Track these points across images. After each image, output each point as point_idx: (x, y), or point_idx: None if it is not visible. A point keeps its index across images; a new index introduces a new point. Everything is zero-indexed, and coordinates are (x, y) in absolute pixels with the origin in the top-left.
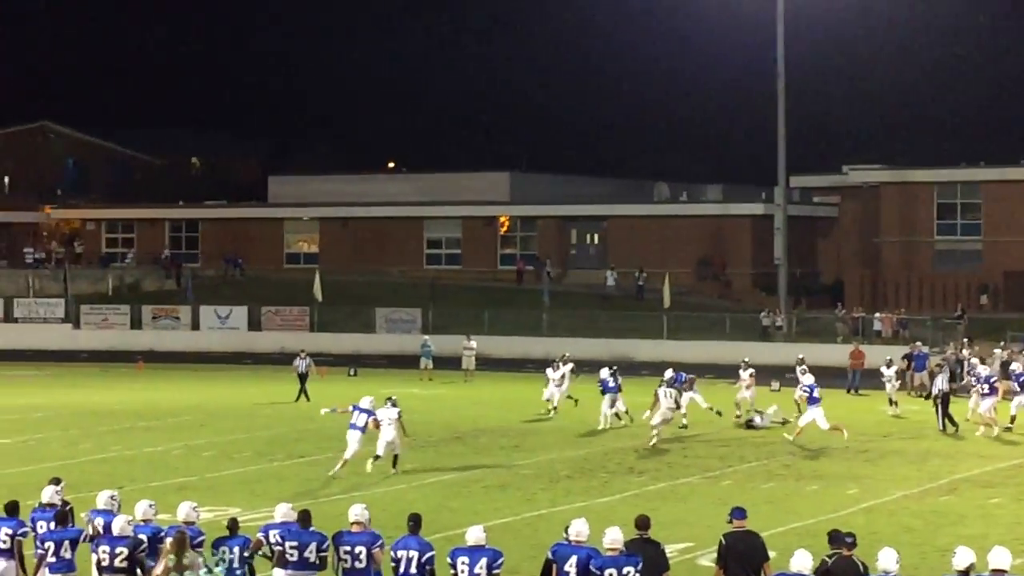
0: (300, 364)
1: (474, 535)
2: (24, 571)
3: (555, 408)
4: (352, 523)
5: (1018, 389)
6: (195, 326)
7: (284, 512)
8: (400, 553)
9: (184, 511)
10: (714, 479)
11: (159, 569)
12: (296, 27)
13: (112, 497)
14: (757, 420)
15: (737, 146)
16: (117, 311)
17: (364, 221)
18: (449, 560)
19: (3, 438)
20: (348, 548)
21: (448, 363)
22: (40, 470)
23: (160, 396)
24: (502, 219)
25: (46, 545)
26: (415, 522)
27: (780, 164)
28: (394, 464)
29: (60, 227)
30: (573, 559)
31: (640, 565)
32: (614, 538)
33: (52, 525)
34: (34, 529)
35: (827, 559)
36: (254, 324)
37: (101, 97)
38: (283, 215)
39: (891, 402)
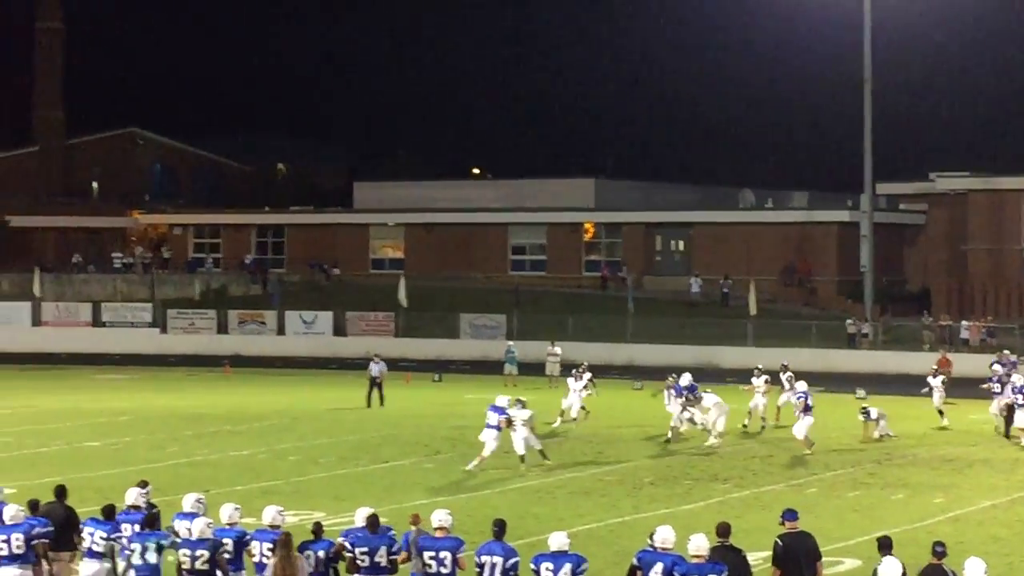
0: (373, 368)
1: (557, 541)
2: (116, 574)
3: (574, 418)
4: (436, 528)
5: None
6: (281, 331)
7: (364, 517)
8: (484, 558)
9: (270, 515)
10: (799, 487)
11: (268, 572)
12: (382, 35)
13: (199, 500)
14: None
15: (823, 153)
16: (204, 316)
17: (449, 227)
18: (533, 566)
19: (91, 441)
20: (432, 553)
21: (532, 369)
22: (127, 473)
23: (246, 400)
24: (587, 225)
25: (132, 546)
26: (499, 528)
27: (867, 171)
28: (544, 456)
29: (148, 232)
30: (659, 566)
31: (725, 573)
32: (699, 545)
33: (137, 528)
34: (119, 531)
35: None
36: (339, 329)
37: (189, 104)
38: (369, 221)
39: (940, 413)
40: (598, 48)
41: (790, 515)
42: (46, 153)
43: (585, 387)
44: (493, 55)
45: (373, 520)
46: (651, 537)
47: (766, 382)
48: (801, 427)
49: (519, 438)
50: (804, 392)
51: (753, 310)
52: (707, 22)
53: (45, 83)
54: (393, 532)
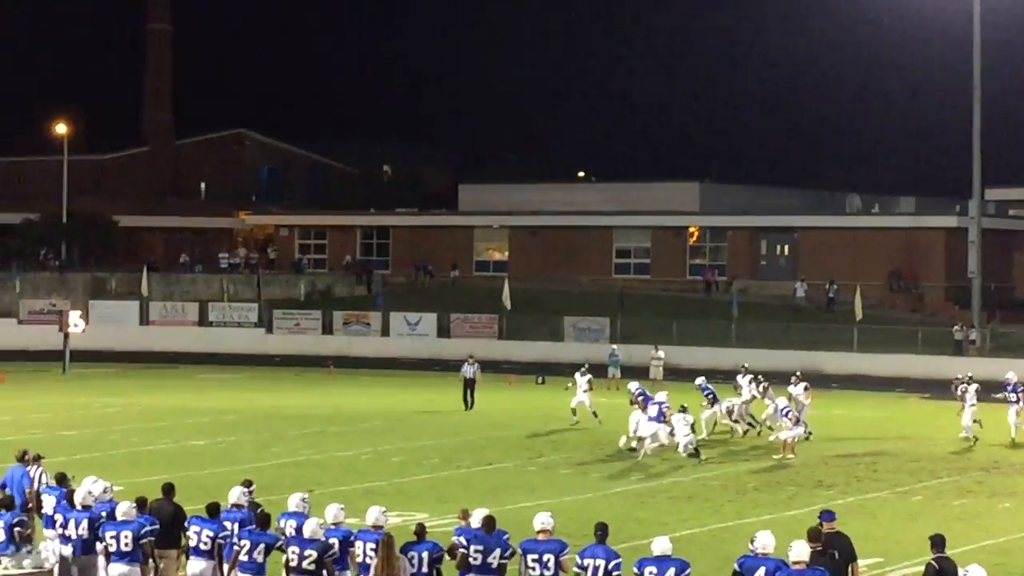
0: (468, 370)
1: (660, 546)
2: (222, 572)
3: (595, 413)
4: (538, 531)
5: None
6: (385, 332)
7: (481, 518)
8: (587, 561)
9: (373, 515)
10: (904, 494)
11: (371, 572)
12: (488, 39)
13: (303, 500)
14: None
15: (931, 158)
16: (309, 316)
17: (553, 230)
18: (636, 570)
19: (197, 440)
20: (536, 556)
21: (635, 373)
22: (232, 472)
23: (350, 401)
24: (692, 229)
25: (242, 543)
26: (602, 531)
27: (975, 176)
28: (697, 455)
29: (254, 233)
30: (760, 571)
31: None
32: (800, 551)
33: (237, 526)
34: (224, 529)
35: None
36: (443, 331)
37: (296, 105)
38: (473, 223)
39: (974, 422)
40: (704, 52)
41: (828, 515)
42: (155, 154)
43: (589, 383)
44: (599, 59)
45: (490, 522)
46: (751, 542)
47: (750, 383)
48: (788, 434)
49: (680, 434)
50: (786, 408)
51: (859, 315)
52: (816, 26)
53: (155, 85)
54: (508, 536)
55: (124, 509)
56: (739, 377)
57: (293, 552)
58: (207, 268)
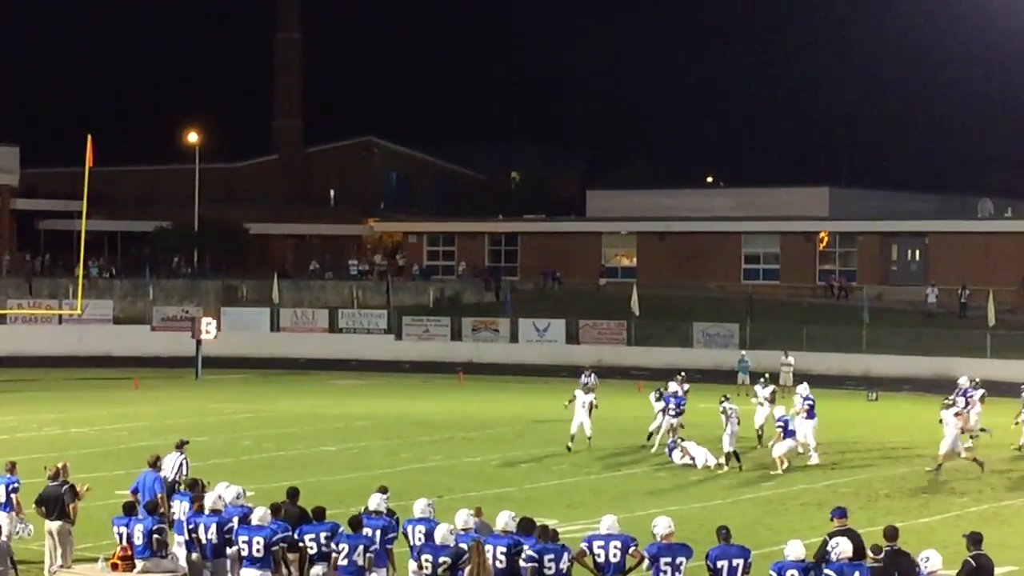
0: (587, 381)
1: (794, 550)
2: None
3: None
4: (663, 535)
5: None
6: (514, 338)
7: (610, 524)
8: (721, 563)
9: (503, 520)
10: None
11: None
12: (616, 44)
13: (429, 505)
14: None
15: None
16: (438, 323)
17: (682, 236)
18: (774, 573)
19: (328, 446)
20: (669, 559)
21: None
22: (362, 478)
23: (479, 407)
24: (821, 235)
25: (340, 547)
26: (726, 532)
27: None
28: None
29: (383, 240)
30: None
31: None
32: (934, 561)
33: (379, 533)
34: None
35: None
36: (572, 337)
37: (425, 112)
38: (601, 229)
39: (980, 430)
40: (833, 55)
41: (839, 512)
42: (285, 162)
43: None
44: (728, 63)
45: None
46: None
47: (772, 393)
48: (781, 447)
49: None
50: (783, 417)
51: (992, 320)
52: (944, 29)
53: (284, 93)
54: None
55: (259, 514)
56: (759, 387)
57: (427, 560)
58: (337, 275)
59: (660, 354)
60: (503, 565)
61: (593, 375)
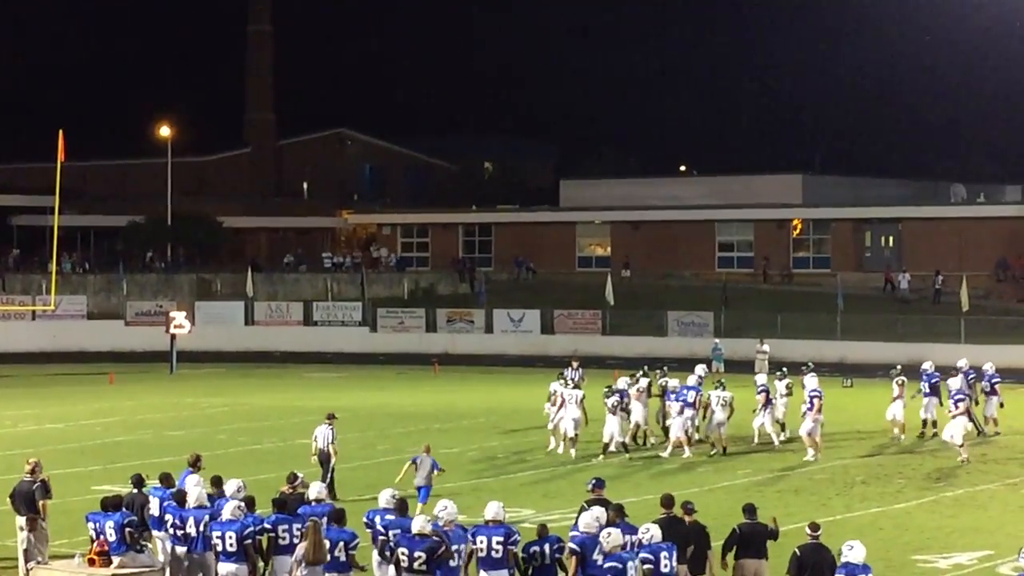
0: (573, 375)
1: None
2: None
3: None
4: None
5: None
6: (488, 329)
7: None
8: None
9: (493, 510)
10: (1014, 486)
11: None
12: (585, 33)
13: (393, 496)
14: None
15: None
16: (412, 314)
17: (655, 224)
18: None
19: (304, 439)
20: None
21: (740, 366)
22: (339, 471)
23: (455, 398)
24: (795, 222)
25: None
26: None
27: None
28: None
29: (357, 232)
30: None
31: None
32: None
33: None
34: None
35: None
36: (547, 327)
37: (397, 104)
38: (575, 219)
39: (987, 421)
40: (806, 42)
41: (597, 483)
42: (258, 155)
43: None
44: (698, 52)
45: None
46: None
47: (788, 387)
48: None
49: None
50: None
51: (965, 306)
52: (918, 15)
53: (256, 85)
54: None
55: (230, 509)
56: (778, 382)
57: (403, 554)
58: (311, 267)
59: (635, 343)
60: (499, 556)
61: (580, 369)
